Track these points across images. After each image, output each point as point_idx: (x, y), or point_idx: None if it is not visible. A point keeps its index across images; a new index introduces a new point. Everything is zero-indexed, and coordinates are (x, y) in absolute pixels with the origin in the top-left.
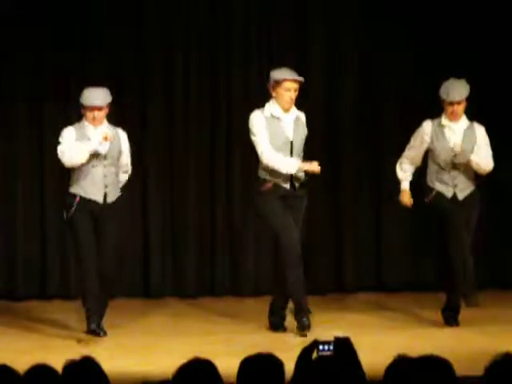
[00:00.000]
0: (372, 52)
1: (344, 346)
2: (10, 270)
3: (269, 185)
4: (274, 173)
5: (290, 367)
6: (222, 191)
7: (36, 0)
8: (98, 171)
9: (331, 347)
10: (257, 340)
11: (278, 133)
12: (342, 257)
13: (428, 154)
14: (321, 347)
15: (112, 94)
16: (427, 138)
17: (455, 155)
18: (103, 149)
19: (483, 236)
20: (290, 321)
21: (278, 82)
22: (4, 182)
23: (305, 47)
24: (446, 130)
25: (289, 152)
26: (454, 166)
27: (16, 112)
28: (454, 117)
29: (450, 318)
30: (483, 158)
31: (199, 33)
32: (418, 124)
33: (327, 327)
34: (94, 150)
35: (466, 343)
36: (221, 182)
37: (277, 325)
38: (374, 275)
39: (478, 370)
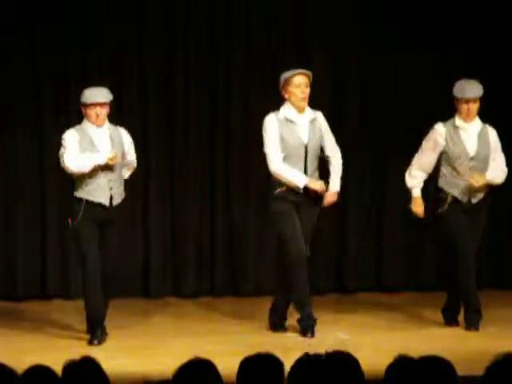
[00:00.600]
0: (373, 52)
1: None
2: (10, 270)
3: (281, 189)
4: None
5: (289, 367)
6: (222, 191)
7: (36, 0)
8: (103, 174)
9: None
10: (257, 340)
11: (291, 136)
12: (342, 257)
13: (440, 158)
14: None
15: (112, 93)
16: (442, 141)
17: (472, 158)
18: (106, 155)
19: (483, 236)
20: (290, 321)
21: (287, 81)
22: (4, 181)
23: (305, 47)
24: (462, 133)
25: (303, 157)
26: (470, 169)
27: (16, 112)
28: (469, 116)
29: (450, 318)
30: (498, 169)
31: (199, 33)
32: (421, 126)
33: (327, 328)
34: (99, 164)
35: (466, 343)
36: (221, 182)
37: (277, 325)
38: (374, 275)
39: (478, 370)
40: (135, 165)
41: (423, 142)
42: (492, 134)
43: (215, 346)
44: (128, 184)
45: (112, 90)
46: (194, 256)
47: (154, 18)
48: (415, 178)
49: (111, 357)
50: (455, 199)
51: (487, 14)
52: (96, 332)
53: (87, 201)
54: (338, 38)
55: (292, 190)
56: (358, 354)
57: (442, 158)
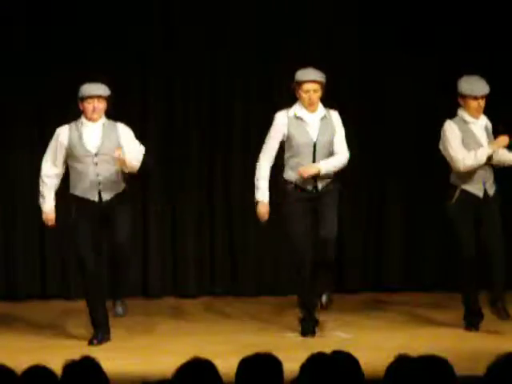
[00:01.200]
0: (374, 53)
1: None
2: (10, 270)
3: (291, 185)
4: (294, 177)
5: (289, 367)
6: (222, 191)
7: (36, 0)
8: (90, 169)
9: None
10: (257, 340)
11: (300, 134)
12: (342, 257)
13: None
14: None
15: (112, 94)
16: (460, 134)
17: None
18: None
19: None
20: (290, 321)
21: (298, 84)
22: (4, 181)
23: (306, 47)
24: (473, 127)
25: (311, 154)
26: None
27: (15, 110)
28: (478, 112)
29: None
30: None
31: (199, 33)
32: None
33: (328, 328)
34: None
35: (466, 343)
36: (221, 181)
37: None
38: (374, 275)
39: (478, 370)
40: (140, 157)
41: (450, 142)
42: (489, 125)
43: (215, 345)
44: (127, 183)
45: (112, 90)
46: (194, 256)
47: (154, 17)
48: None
49: (111, 357)
50: (465, 199)
51: (487, 14)
52: (96, 332)
53: (78, 197)
54: (339, 39)
55: (301, 185)
56: (357, 354)
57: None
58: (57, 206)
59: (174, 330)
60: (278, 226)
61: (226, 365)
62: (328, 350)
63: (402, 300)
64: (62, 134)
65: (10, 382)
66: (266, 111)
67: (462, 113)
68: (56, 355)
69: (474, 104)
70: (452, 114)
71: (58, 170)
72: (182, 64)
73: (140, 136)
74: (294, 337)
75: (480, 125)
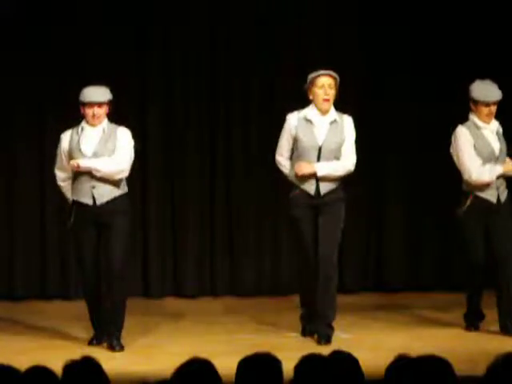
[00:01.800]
0: (374, 53)
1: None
2: (9, 270)
3: (296, 191)
4: (299, 179)
5: (289, 367)
6: (222, 191)
7: (36, 0)
8: (84, 173)
9: None
10: (257, 340)
11: (306, 136)
12: (342, 257)
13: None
14: None
15: (112, 94)
16: (472, 141)
17: (498, 158)
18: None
19: None
20: (290, 321)
21: (312, 82)
22: (4, 181)
23: (306, 47)
24: (485, 132)
25: (315, 158)
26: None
27: (15, 111)
28: (490, 118)
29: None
30: None
31: (199, 33)
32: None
33: None
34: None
35: (466, 343)
36: (221, 181)
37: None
38: (374, 275)
39: (478, 370)
40: (118, 160)
41: (459, 150)
42: (500, 129)
43: (215, 345)
44: (128, 184)
45: (112, 91)
46: (194, 256)
47: (154, 18)
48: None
49: (111, 357)
50: (480, 199)
51: (487, 16)
52: (96, 332)
53: (75, 201)
54: (339, 40)
55: (306, 191)
56: (357, 354)
57: None
58: (61, 208)
59: (174, 330)
60: (278, 226)
61: (226, 365)
62: (328, 350)
63: (402, 300)
64: (64, 138)
65: (14, 381)
66: (267, 111)
67: (473, 118)
68: (56, 355)
69: (485, 110)
70: (452, 115)
71: (68, 174)
72: (182, 64)
73: (141, 136)
74: (294, 337)
75: (491, 129)
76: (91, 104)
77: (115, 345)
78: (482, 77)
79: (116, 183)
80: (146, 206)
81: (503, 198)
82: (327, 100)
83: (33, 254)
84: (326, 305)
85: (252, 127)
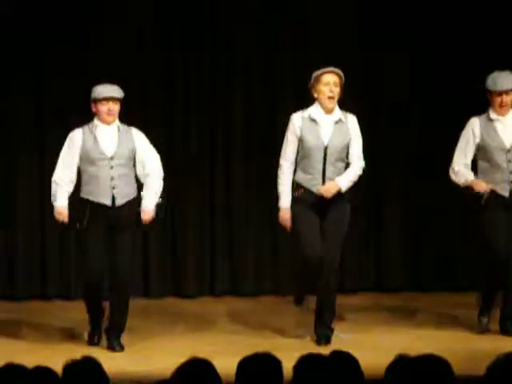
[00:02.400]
0: (374, 53)
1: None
2: (9, 270)
3: (300, 191)
4: (304, 179)
5: (289, 367)
6: (222, 191)
7: (36, 0)
8: (105, 173)
9: None
10: (257, 340)
11: (311, 136)
12: (342, 257)
13: (476, 153)
14: None
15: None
16: (478, 133)
17: (509, 151)
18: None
19: None
20: (291, 321)
21: (316, 79)
22: (4, 181)
23: (306, 46)
24: (497, 125)
25: (321, 158)
26: (509, 161)
27: (15, 112)
28: (503, 109)
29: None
30: None
31: (199, 33)
32: (420, 125)
33: None
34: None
35: (466, 343)
36: (221, 181)
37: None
38: (374, 275)
39: (478, 370)
40: (158, 173)
41: (460, 140)
42: None
43: (215, 346)
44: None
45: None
46: (194, 256)
47: (153, 18)
48: (461, 174)
49: (111, 357)
50: (494, 194)
51: (487, 16)
52: (96, 332)
53: (90, 201)
54: (338, 39)
55: (311, 191)
56: (357, 354)
57: (477, 153)
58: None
59: (174, 331)
60: (278, 226)
61: (226, 365)
62: (328, 350)
63: (402, 300)
64: (76, 137)
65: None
66: (267, 111)
67: (489, 110)
68: (56, 355)
69: (497, 100)
70: (452, 117)
71: (72, 175)
72: (182, 64)
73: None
74: (294, 337)
75: (506, 123)
76: (106, 99)
77: (115, 345)
78: (482, 77)
79: (133, 185)
80: None
81: None
82: (332, 98)
83: (33, 254)
84: (326, 306)
85: (252, 127)
